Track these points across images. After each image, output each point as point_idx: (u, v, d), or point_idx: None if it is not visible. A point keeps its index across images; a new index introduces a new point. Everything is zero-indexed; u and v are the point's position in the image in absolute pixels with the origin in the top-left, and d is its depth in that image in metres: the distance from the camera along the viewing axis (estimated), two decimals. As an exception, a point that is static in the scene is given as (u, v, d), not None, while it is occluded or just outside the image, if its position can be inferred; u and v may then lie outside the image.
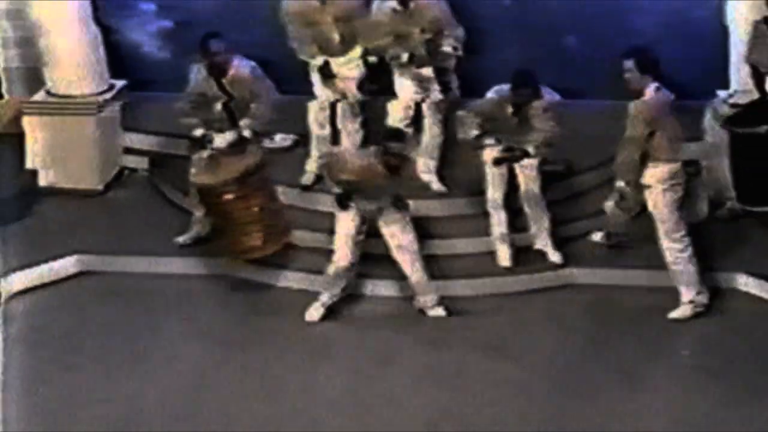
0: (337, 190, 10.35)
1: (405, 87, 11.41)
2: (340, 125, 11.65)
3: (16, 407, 9.06)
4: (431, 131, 11.47)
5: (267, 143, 11.55)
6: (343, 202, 10.27)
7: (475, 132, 10.70)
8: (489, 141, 10.74)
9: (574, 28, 12.45)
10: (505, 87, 10.58)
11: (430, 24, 11.21)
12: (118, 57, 12.72)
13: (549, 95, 10.70)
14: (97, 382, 9.57)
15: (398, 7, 11.19)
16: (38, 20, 12.08)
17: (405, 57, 11.23)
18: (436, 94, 11.39)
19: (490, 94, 10.75)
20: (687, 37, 12.06)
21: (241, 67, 10.93)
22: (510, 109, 10.56)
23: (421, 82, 11.33)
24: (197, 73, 10.93)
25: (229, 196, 10.50)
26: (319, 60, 11.44)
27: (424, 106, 11.41)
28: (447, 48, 11.27)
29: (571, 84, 11.37)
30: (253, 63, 11.04)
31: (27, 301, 10.70)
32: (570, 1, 12.43)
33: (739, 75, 11.34)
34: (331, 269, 10.38)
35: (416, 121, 11.52)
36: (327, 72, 11.46)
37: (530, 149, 10.58)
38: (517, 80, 10.47)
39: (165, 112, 11.42)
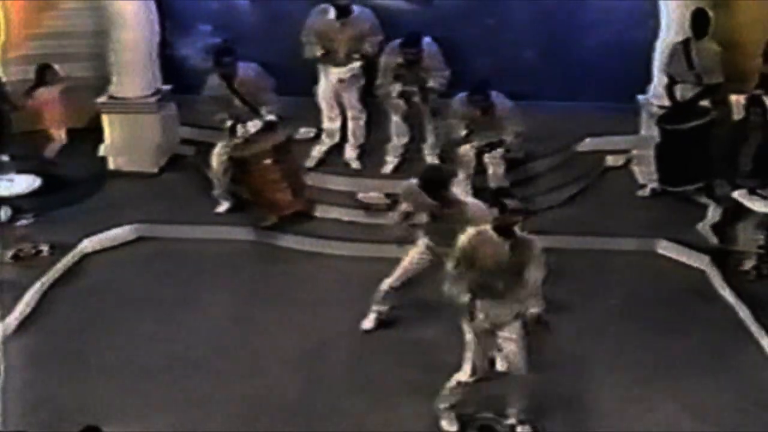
0: (462, 296, 8.01)
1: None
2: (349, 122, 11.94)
3: (91, 342, 9.54)
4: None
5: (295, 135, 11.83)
6: (471, 310, 8.02)
7: (464, 132, 10.95)
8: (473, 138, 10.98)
9: (535, 43, 12.59)
10: (463, 95, 10.92)
11: (425, 70, 11.37)
12: (171, 67, 12.85)
13: (503, 100, 10.90)
14: (151, 324, 9.82)
15: (402, 61, 11.33)
16: (114, 13, 12.17)
17: (395, 93, 11.40)
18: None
19: (455, 103, 11.03)
20: (623, 53, 12.15)
21: (246, 70, 11.27)
22: (478, 112, 10.85)
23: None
24: (212, 80, 11.26)
25: (267, 161, 11.04)
26: (318, 52, 11.60)
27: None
28: (434, 84, 11.34)
29: (529, 88, 11.52)
30: (254, 65, 11.36)
31: (97, 260, 10.98)
32: (531, 21, 12.59)
33: (658, 83, 11.57)
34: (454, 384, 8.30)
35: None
36: (325, 60, 11.62)
37: (507, 139, 10.86)
38: (473, 89, 10.82)
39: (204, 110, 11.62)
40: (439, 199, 8.87)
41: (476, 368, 8.13)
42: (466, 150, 10.98)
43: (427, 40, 11.39)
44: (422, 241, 9.34)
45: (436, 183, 8.89)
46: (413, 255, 9.41)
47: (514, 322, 8.08)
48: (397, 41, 11.38)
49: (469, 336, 8.12)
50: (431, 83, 11.35)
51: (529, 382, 8.22)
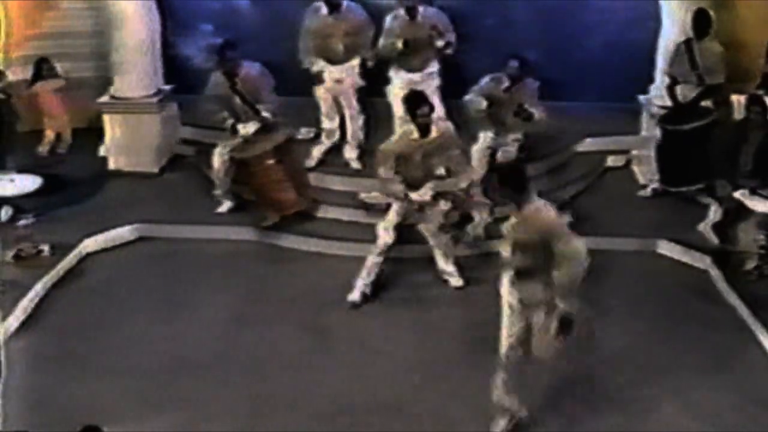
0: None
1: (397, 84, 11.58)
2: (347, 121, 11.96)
3: (91, 342, 9.53)
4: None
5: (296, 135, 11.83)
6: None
7: (484, 104, 10.91)
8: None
9: (536, 44, 12.38)
10: (497, 74, 10.96)
11: (432, 29, 11.46)
12: (172, 67, 12.93)
13: (529, 80, 11.01)
14: (152, 324, 9.82)
15: (407, 18, 11.51)
16: (114, 12, 12.19)
17: (400, 44, 11.41)
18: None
19: (482, 81, 11.03)
20: (624, 53, 12.20)
21: (248, 68, 11.32)
22: (506, 84, 10.90)
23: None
24: (216, 78, 11.30)
25: (270, 161, 11.07)
26: (316, 67, 11.72)
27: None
28: (440, 44, 11.44)
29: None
30: (258, 64, 11.40)
31: (97, 260, 11.00)
32: (532, 22, 12.62)
33: (660, 84, 11.59)
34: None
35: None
36: (320, 78, 11.76)
37: (534, 113, 10.81)
38: (510, 56, 10.90)
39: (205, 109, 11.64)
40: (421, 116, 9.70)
41: (512, 333, 7.97)
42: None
43: (434, 8, 11.62)
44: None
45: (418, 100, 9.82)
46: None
47: (545, 307, 7.86)
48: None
49: (505, 308, 8.04)
50: (439, 44, 11.44)
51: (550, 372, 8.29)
